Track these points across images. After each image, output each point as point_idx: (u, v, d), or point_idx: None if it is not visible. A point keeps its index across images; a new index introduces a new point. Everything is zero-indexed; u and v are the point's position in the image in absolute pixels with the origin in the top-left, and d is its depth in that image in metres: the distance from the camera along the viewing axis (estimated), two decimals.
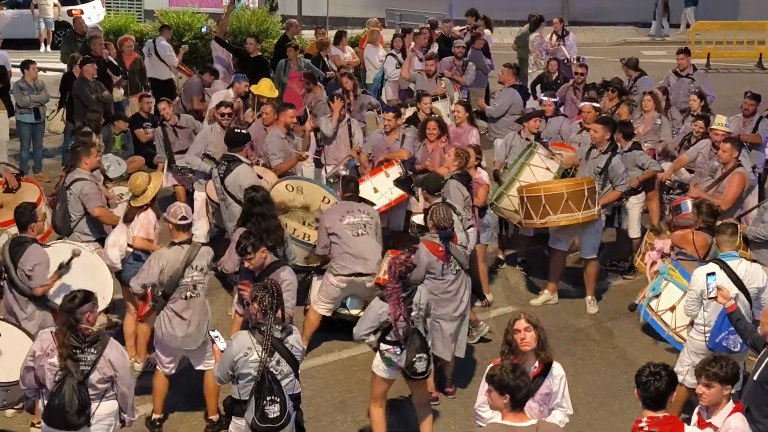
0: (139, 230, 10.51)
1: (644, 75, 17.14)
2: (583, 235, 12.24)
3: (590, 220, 11.90)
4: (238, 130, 12.21)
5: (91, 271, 10.04)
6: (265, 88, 15.58)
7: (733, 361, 7.35)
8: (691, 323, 9.62)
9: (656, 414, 6.71)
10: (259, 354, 7.67)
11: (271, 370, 7.69)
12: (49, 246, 9.95)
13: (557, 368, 7.46)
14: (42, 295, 9.45)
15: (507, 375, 6.50)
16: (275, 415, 7.65)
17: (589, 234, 12.20)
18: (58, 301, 9.33)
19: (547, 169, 12.50)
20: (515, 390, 6.46)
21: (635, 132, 13.79)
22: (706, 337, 9.28)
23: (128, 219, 10.68)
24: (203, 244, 9.86)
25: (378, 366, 9.05)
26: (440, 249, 9.85)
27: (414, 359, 8.81)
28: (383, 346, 8.90)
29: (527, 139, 13.23)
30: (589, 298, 12.47)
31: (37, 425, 9.24)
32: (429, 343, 9.17)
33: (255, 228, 10.01)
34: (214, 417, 9.68)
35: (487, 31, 20.81)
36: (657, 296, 10.54)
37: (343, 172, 13.33)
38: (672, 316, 10.29)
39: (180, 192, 14.08)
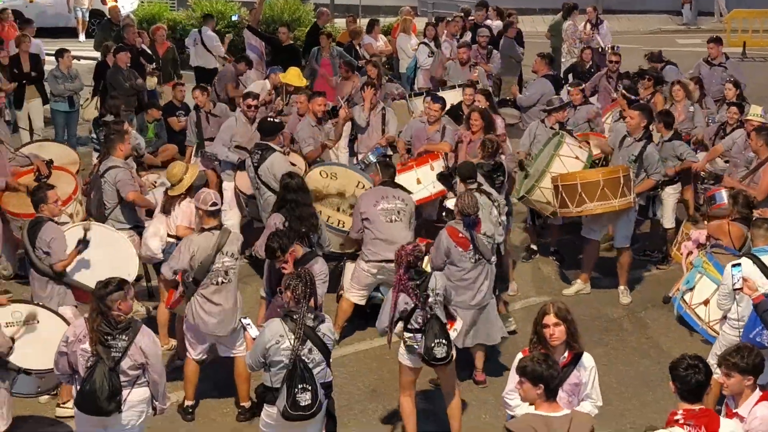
0: (182, 219, 10.55)
1: (670, 64, 16.96)
2: (616, 224, 12.17)
3: (626, 207, 11.82)
4: (271, 119, 12.20)
5: (112, 246, 10.05)
6: (293, 76, 15.54)
7: (757, 352, 7.27)
8: (725, 317, 9.51)
9: (692, 406, 6.65)
10: (291, 342, 7.67)
11: (303, 358, 7.69)
12: (63, 226, 9.96)
13: (588, 359, 7.37)
14: (61, 272, 9.48)
15: (540, 365, 6.46)
16: (307, 403, 7.66)
17: (622, 223, 12.12)
18: (79, 278, 9.49)
19: (576, 158, 12.41)
20: (549, 380, 6.42)
21: None
22: (739, 332, 9.17)
23: (166, 209, 10.71)
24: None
25: (402, 355, 9.03)
26: (461, 235, 9.82)
27: (432, 345, 8.75)
28: (406, 335, 8.88)
29: (552, 128, 13.12)
30: (622, 288, 12.38)
31: (62, 405, 9.33)
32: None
33: (289, 215, 10.02)
34: (246, 404, 9.70)
35: (497, 22, 20.61)
36: (691, 289, 10.45)
37: (372, 159, 13.31)
38: (705, 309, 10.19)
39: (211, 177, 14.08)
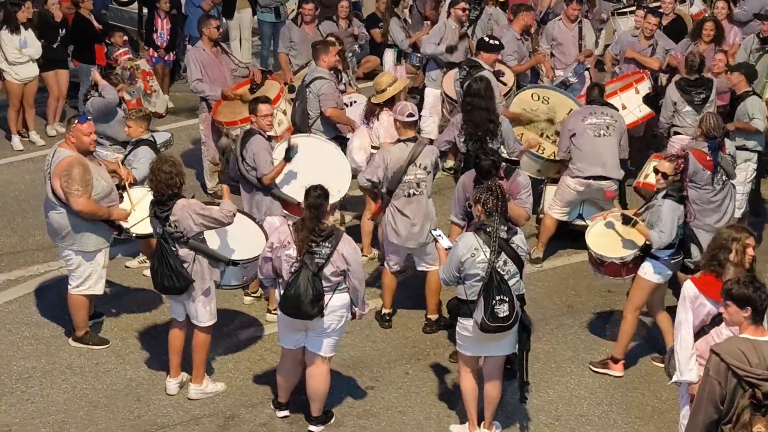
0: (385, 136, 10.53)
1: None
2: None
3: None
4: (488, 39, 11.91)
5: (328, 161, 10.11)
6: None
7: None
8: None
9: None
10: (486, 254, 7.67)
11: (499, 270, 7.69)
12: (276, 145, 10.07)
13: None
14: (269, 184, 9.63)
15: (747, 287, 6.26)
16: (505, 314, 7.70)
17: None
18: (288, 191, 9.67)
19: None
20: (757, 302, 6.21)
21: None
22: None
23: (367, 117, 10.78)
24: (431, 141, 9.82)
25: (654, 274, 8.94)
26: (708, 158, 9.54)
27: None
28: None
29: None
30: None
31: (273, 311, 9.64)
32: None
33: (466, 117, 9.99)
34: (433, 316, 9.82)
35: None
36: None
37: (573, 80, 13.00)
38: None
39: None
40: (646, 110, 12.17)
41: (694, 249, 8.90)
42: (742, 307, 6.25)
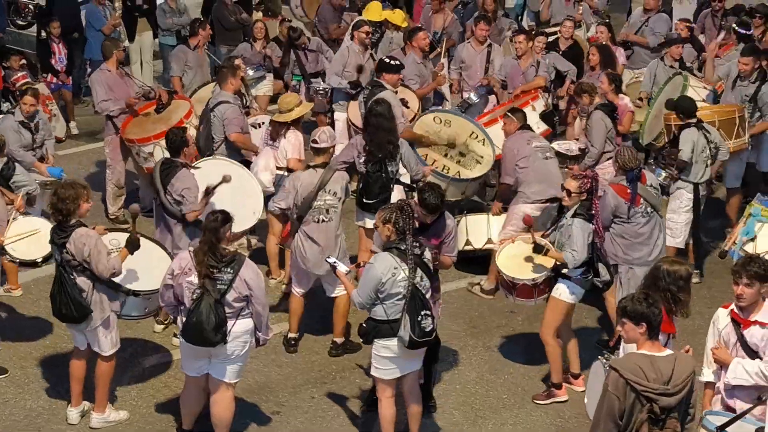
0: (292, 152, 10.56)
1: None
2: (727, 163, 11.75)
3: (741, 149, 11.49)
4: (388, 60, 11.97)
5: (241, 186, 10.09)
6: (373, 12, 15.08)
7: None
8: None
9: None
10: (405, 272, 7.74)
11: (418, 286, 7.79)
12: (198, 168, 9.99)
13: None
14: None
15: (641, 303, 6.39)
16: (430, 328, 7.83)
17: (733, 162, 11.76)
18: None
19: (703, 100, 12.04)
20: (651, 317, 6.34)
21: None
22: None
23: (273, 137, 10.75)
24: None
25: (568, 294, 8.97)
26: (629, 191, 9.56)
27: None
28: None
29: (671, 67, 12.79)
30: (729, 230, 12.06)
31: (178, 335, 9.51)
32: None
33: (368, 138, 9.99)
34: (339, 339, 9.83)
35: None
36: (752, 239, 10.09)
37: (474, 100, 13.15)
38: None
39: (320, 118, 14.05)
40: (543, 126, 12.38)
41: (601, 268, 8.95)
42: (637, 324, 6.36)
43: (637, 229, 9.60)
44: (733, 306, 7.18)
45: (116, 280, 8.32)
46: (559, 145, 11.77)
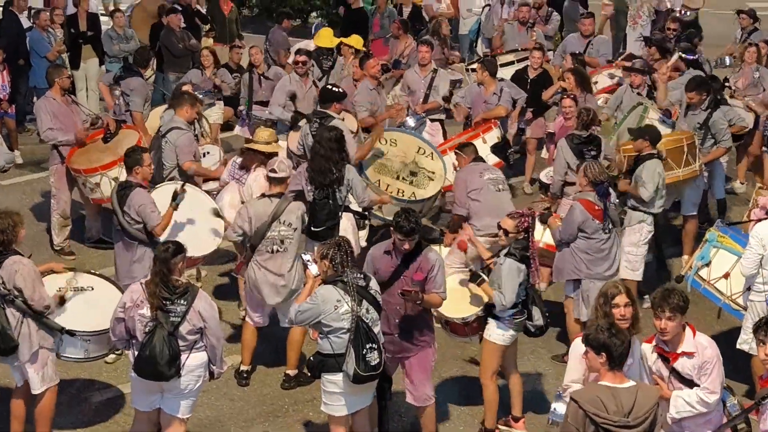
0: (258, 191, 10.23)
1: (758, 30, 16.40)
2: (683, 192, 11.80)
3: (693, 176, 11.52)
4: (332, 87, 11.90)
5: (200, 209, 9.99)
6: (324, 38, 15.03)
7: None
8: (748, 288, 9.29)
9: None
10: (348, 304, 7.60)
11: (363, 318, 7.64)
12: (154, 190, 9.93)
13: (636, 344, 7.11)
14: (161, 234, 9.39)
15: (602, 333, 6.35)
16: (376, 362, 7.65)
17: (690, 190, 11.80)
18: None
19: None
20: (612, 348, 6.28)
21: (734, 87, 13.37)
22: (765, 296, 9.02)
23: (243, 166, 10.59)
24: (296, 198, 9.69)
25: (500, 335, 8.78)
26: (597, 207, 9.58)
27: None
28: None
29: (639, 94, 12.83)
30: (686, 257, 12.08)
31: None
32: None
33: (310, 165, 9.89)
34: (292, 372, 9.68)
35: None
36: (707, 265, 10.10)
37: (411, 124, 13.06)
38: (726, 283, 9.80)
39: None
40: (494, 159, 12.29)
41: (536, 312, 8.77)
42: (598, 353, 6.32)
43: (600, 246, 9.69)
44: (655, 341, 7.11)
45: (52, 316, 8.11)
46: (545, 175, 11.76)
